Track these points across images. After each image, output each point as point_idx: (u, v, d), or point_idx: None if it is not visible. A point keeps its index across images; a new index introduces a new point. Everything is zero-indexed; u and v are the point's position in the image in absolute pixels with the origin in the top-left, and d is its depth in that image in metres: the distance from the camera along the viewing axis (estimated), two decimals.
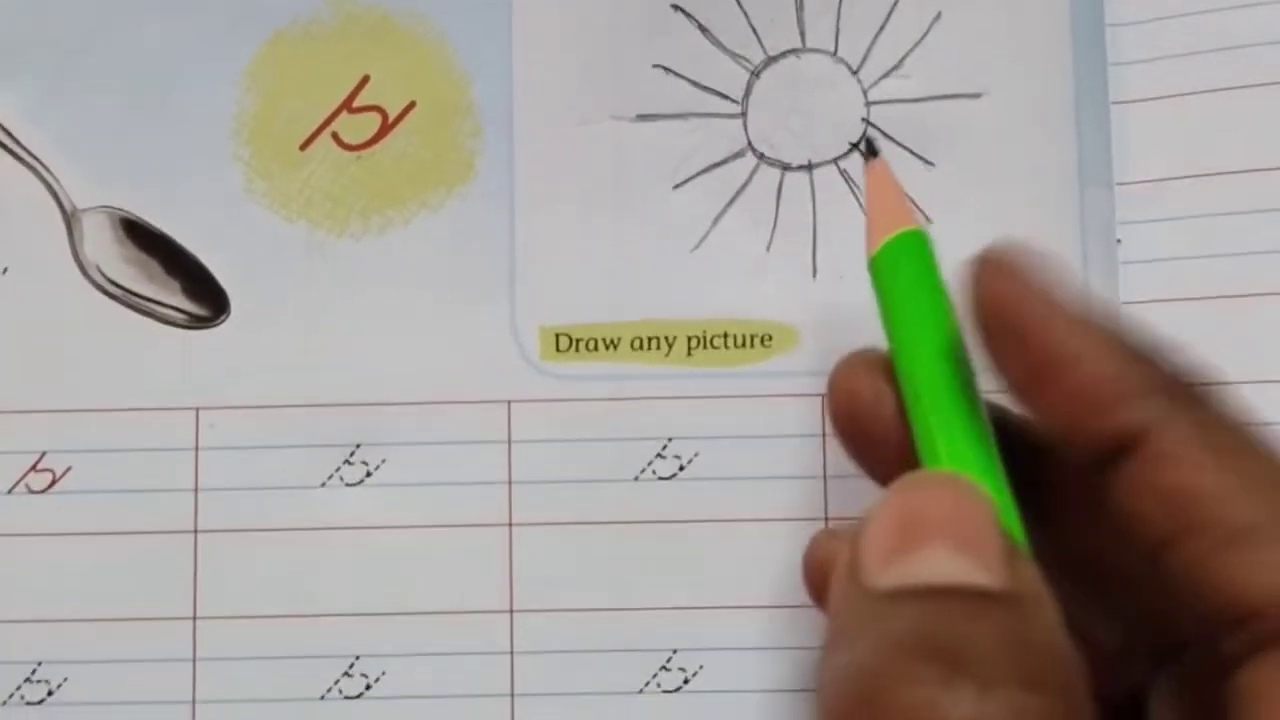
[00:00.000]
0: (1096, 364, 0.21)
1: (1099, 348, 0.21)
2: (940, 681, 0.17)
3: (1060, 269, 0.23)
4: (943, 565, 0.19)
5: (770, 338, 0.34)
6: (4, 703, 0.33)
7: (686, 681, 0.33)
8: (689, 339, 0.34)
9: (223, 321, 0.34)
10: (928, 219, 0.34)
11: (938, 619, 0.18)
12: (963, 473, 0.22)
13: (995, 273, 0.22)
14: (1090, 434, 0.20)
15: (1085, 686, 0.18)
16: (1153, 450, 0.20)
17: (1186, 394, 0.21)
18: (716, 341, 0.34)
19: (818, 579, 0.26)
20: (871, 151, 0.27)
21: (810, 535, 0.27)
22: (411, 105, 0.35)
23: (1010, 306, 0.22)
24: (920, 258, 0.26)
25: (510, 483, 0.33)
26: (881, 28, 0.34)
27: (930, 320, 0.25)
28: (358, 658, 0.33)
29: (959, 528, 0.19)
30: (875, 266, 0.26)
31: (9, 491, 0.34)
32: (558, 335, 0.34)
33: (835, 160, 0.34)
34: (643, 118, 0.34)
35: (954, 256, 0.34)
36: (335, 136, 0.35)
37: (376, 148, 0.35)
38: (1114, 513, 0.21)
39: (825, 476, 0.33)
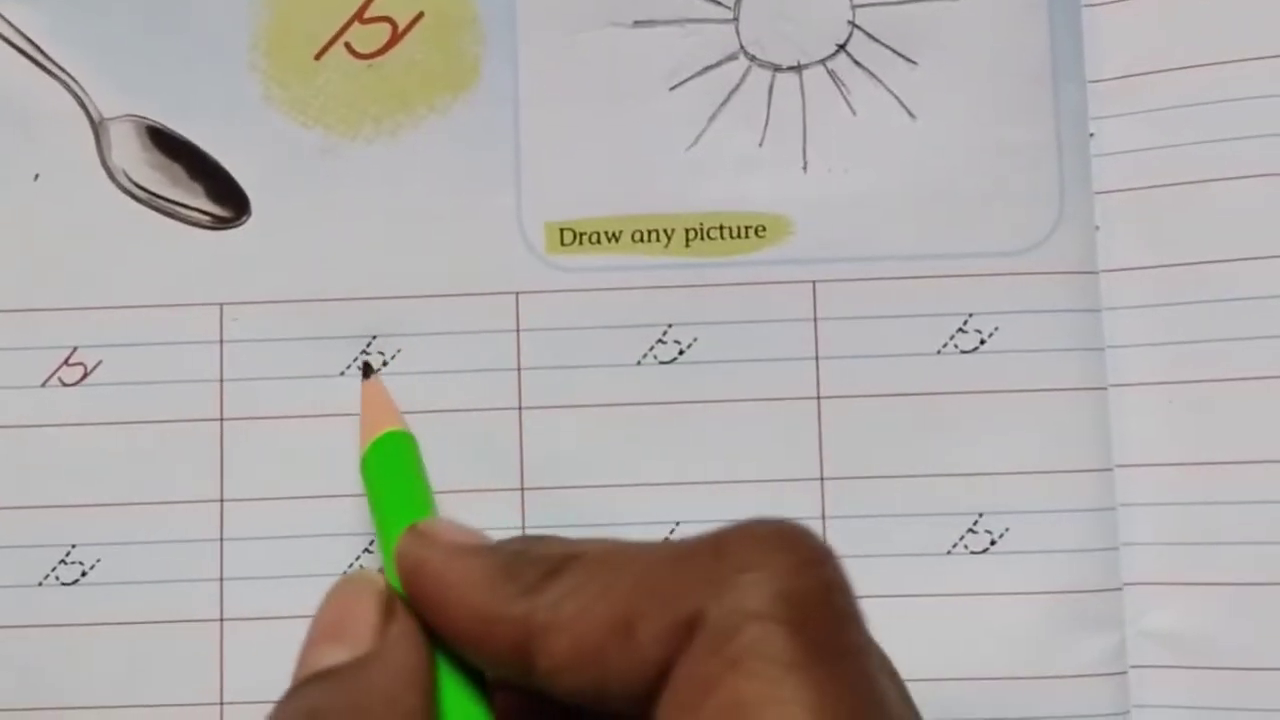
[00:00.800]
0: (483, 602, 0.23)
1: (486, 588, 0.23)
2: None
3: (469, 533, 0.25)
4: (318, 656, 0.23)
5: (764, 228, 0.36)
6: (39, 584, 0.35)
7: None
8: (687, 231, 0.36)
9: (244, 222, 0.36)
10: (911, 115, 0.36)
11: (294, 701, 0.22)
12: (366, 571, 0.26)
13: (408, 551, 0.25)
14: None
15: None
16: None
17: (557, 571, 0.23)
18: (713, 233, 0.36)
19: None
20: (367, 373, 0.34)
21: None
22: (420, 16, 0.36)
23: (418, 579, 0.24)
24: (404, 453, 0.30)
25: (519, 369, 0.35)
26: None
27: (413, 510, 0.28)
28: None
29: (330, 623, 0.24)
30: (365, 463, 0.30)
31: (43, 385, 0.35)
32: (562, 230, 0.36)
33: (823, 61, 0.36)
34: (639, 24, 0.36)
35: (935, 149, 0.36)
36: (348, 46, 0.36)
37: (387, 56, 0.36)
38: None
39: (817, 358, 0.35)
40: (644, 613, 0.21)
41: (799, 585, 0.20)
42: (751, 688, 0.19)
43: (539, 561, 0.23)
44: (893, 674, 0.24)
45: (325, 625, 0.24)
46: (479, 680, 0.24)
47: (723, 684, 0.20)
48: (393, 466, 0.30)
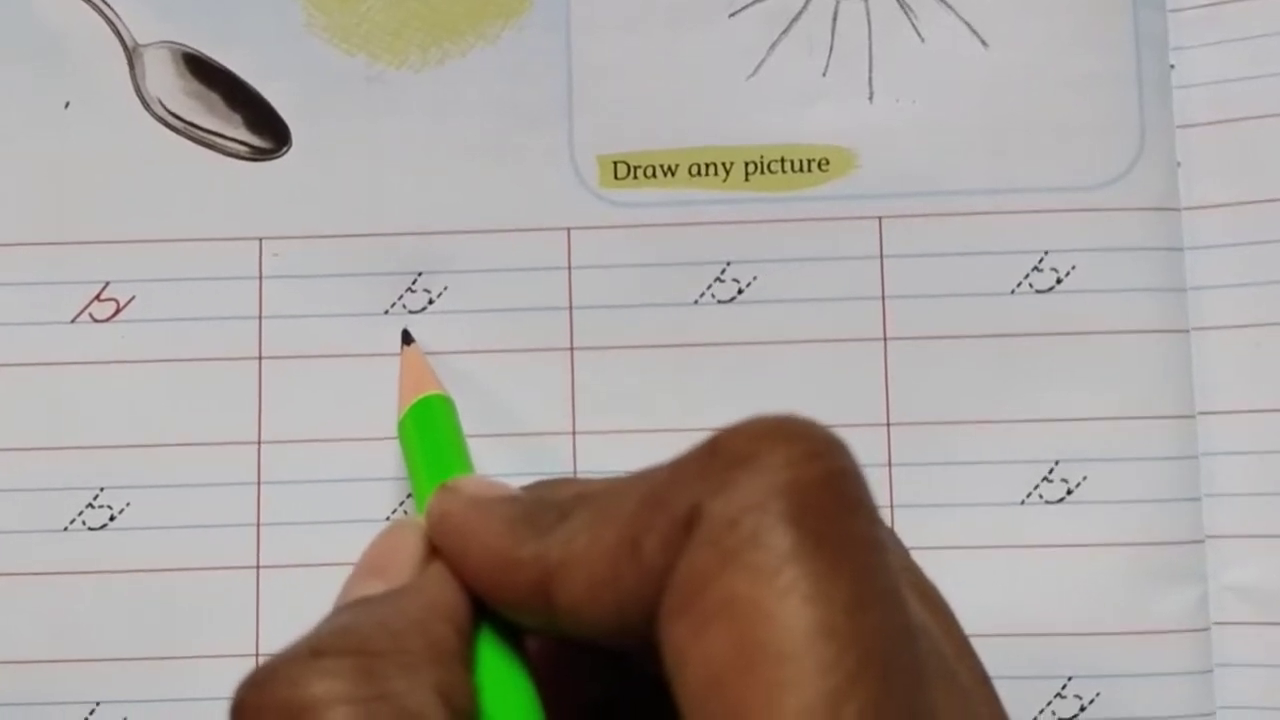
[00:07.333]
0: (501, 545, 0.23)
1: (499, 529, 0.23)
2: (296, 658, 0.20)
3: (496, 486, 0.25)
4: (358, 588, 0.24)
5: (827, 161, 0.34)
6: (65, 528, 0.33)
7: None
8: (746, 164, 0.34)
9: (285, 153, 0.34)
10: (983, 43, 0.34)
11: (329, 621, 0.22)
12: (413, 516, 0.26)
13: (436, 506, 0.25)
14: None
15: (434, 653, 0.21)
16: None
17: (558, 515, 0.22)
18: (774, 166, 0.34)
19: None
20: (406, 340, 0.33)
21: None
22: None
23: (442, 529, 0.24)
24: (442, 416, 0.30)
25: (571, 307, 0.34)
26: None
27: (448, 471, 0.28)
28: None
29: (374, 559, 0.25)
30: (403, 426, 0.30)
31: (72, 321, 0.34)
32: (615, 163, 0.34)
33: None
34: None
35: (1008, 79, 0.34)
36: None
37: None
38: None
39: (883, 297, 0.34)
40: (647, 525, 0.20)
41: (801, 475, 0.19)
42: (746, 581, 0.18)
43: (555, 506, 0.22)
44: (924, 588, 0.23)
45: (368, 562, 0.25)
46: (517, 641, 0.23)
47: (717, 579, 0.18)
48: (429, 430, 0.29)
